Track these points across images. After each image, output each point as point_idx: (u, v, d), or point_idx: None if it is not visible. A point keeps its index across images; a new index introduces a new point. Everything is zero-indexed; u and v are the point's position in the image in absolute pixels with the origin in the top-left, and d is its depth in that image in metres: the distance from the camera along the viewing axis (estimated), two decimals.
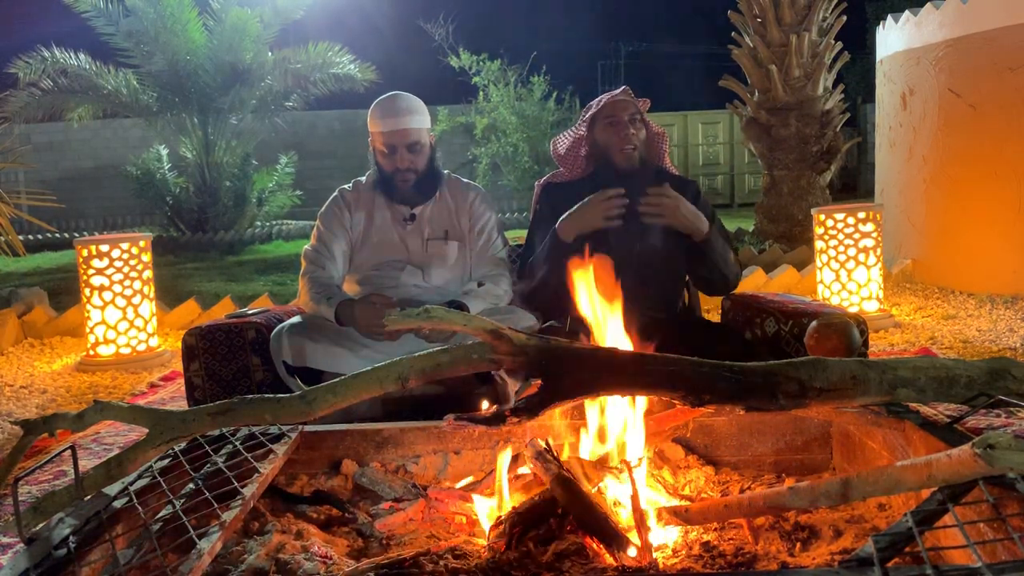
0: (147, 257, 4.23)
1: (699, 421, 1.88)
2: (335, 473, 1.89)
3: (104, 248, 4.09)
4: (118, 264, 4.11)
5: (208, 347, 2.49)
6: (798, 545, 1.50)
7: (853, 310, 4.06)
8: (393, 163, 2.61)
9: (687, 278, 2.73)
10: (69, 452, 1.40)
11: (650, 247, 2.47)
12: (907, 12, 5.59)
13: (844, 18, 6.74)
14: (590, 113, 2.57)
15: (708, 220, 2.46)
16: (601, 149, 2.56)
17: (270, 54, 10.54)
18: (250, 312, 2.69)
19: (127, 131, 13.77)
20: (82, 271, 4.13)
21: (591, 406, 1.66)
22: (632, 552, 1.35)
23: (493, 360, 1.44)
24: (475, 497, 1.64)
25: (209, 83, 9.92)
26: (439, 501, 1.64)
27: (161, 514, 1.40)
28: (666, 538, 1.55)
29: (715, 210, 2.66)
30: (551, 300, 2.46)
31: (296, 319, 2.51)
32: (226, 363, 2.50)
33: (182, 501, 1.41)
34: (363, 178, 2.76)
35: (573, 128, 2.67)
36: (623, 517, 1.51)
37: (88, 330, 4.16)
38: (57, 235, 10.38)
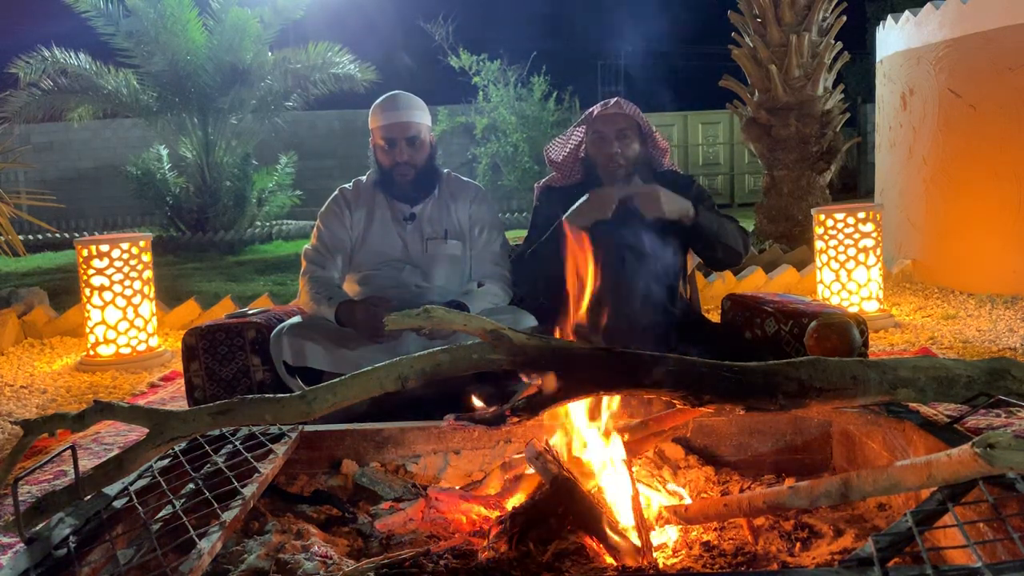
0: (147, 257, 4.23)
1: (699, 421, 1.88)
2: (335, 473, 1.89)
3: (104, 248, 4.09)
4: (118, 264, 4.10)
5: (208, 347, 2.49)
6: (798, 545, 1.50)
7: (853, 310, 4.06)
8: (392, 157, 2.61)
9: (687, 274, 2.76)
10: (69, 452, 1.40)
11: (642, 249, 2.49)
12: (907, 12, 5.59)
13: (844, 18, 6.74)
14: (584, 124, 2.60)
15: (696, 201, 2.50)
16: (591, 160, 2.60)
17: (270, 54, 10.53)
18: (250, 312, 2.69)
19: (127, 131, 13.75)
20: (82, 271, 4.13)
21: (589, 405, 1.66)
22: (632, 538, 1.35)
23: (493, 360, 1.44)
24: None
25: (209, 83, 9.91)
26: (439, 501, 1.64)
27: (161, 514, 1.40)
28: (666, 538, 1.55)
29: (710, 196, 2.68)
30: (542, 295, 2.51)
31: (296, 319, 2.51)
32: (226, 363, 2.49)
33: (182, 501, 1.41)
34: (363, 178, 2.76)
35: (564, 135, 2.69)
36: (622, 517, 1.51)
37: (88, 330, 4.16)
38: (57, 235, 10.37)
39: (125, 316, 4.14)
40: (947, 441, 1.41)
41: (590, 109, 2.58)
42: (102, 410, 1.36)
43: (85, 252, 4.10)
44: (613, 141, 2.52)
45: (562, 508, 1.48)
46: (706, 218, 2.47)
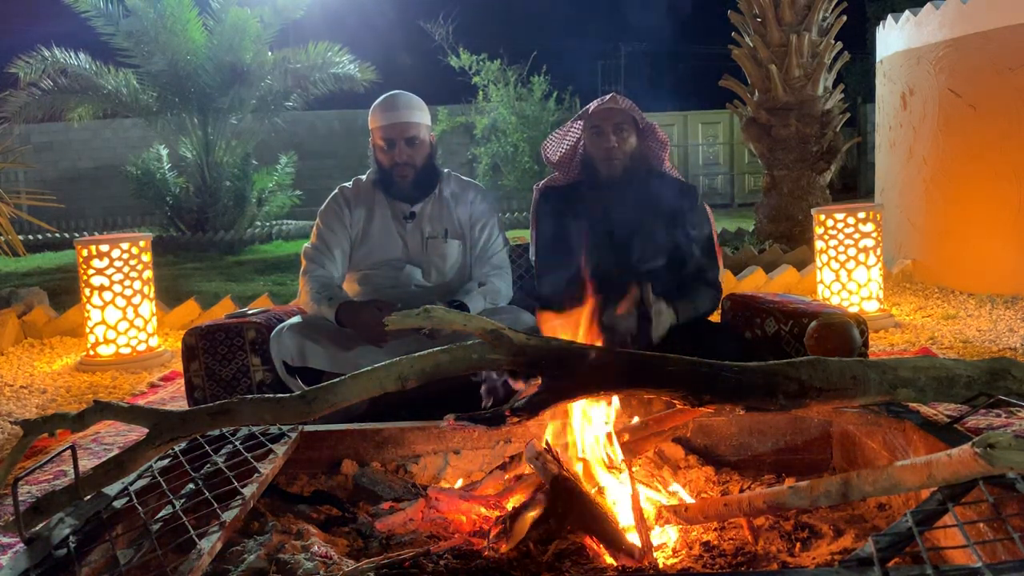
0: (147, 257, 4.23)
1: (699, 421, 1.88)
2: (335, 473, 1.89)
3: (104, 248, 4.09)
4: (118, 264, 4.10)
5: (208, 347, 2.49)
6: (798, 545, 1.50)
7: (853, 310, 4.06)
8: (392, 157, 2.61)
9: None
10: (69, 452, 1.40)
11: (646, 248, 2.49)
12: (907, 12, 5.59)
13: (844, 18, 6.74)
14: (580, 120, 2.60)
15: (693, 213, 2.55)
16: (589, 156, 2.60)
17: (270, 54, 10.53)
18: (250, 312, 2.69)
19: (127, 131, 13.76)
20: (82, 271, 4.12)
21: (589, 406, 1.65)
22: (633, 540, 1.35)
23: (493, 360, 1.44)
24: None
25: (209, 83, 9.91)
26: (439, 501, 1.64)
27: (161, 514, 1.40)
28: (666, 538, 1.55)
29: (710, 221, 2.66)
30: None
31: (296, 319, 2.51)
32: (226, 363, 2.49)
33: (182, 501, 1.41)
34: (364, 176, 2.76)
35: (560, 132, 2.68)
36: (622, 517, 1.51)
37: (88, 330, 4.16)
38: (57, 235, 10.37)
39: (125, 316, 4.14)
40: (947, 441, 1.41)
41: (587, 106, 2.59)
42: (102, 410, 1.36)
43: (85, 252, 4.10)
44: (610, 135, 2.52)
45: (562, 508, 1.48)
46: (683, 315, 2.47)
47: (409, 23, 14.25)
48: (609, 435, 1.65)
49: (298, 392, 1.41)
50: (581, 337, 1.66)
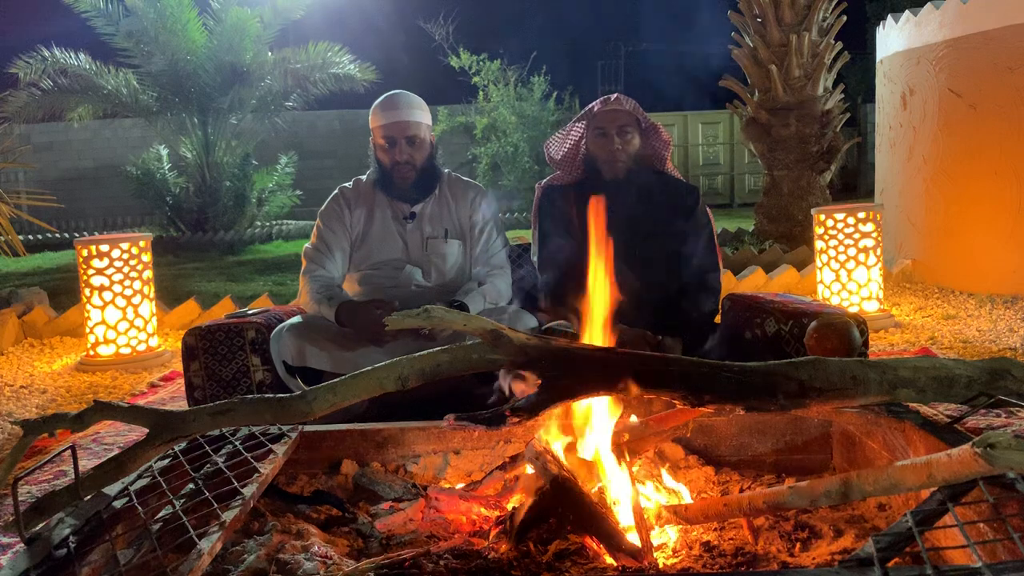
0: (147, 257, 4.23)
1: (699, 421, 1.88)
2: (335, 473, 1.89)
3: (104, 248, 4.09)
4: (118, 264, 4.10)
5: (208, 347, 2.49)
6: (798, 545, 1.50)
7: (853, 310, 4.05)
8: (392, 156, 2.61)
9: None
10: (69, 452, 1.40)
11: (648, 249, 2.49)
12: (907, 12, 5.59)
13: (844, 18, 6.74)
14: (584, 120, 2.60)
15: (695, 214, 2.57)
16: (592, 156, 2.60)
17: (270, 54, 10.53)
18: (250, 312, 2.69)
19: (127, 131, 13.76)
20: (82, 271, 4.13)
21: (589, 406, 1.65)
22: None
23: (493, 360, 1.44)
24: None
25: (209, 83, 9.91)
26: (439, 501, 1.64)
27: (161, 514, 1.40)
28: (666, 538, 1.55)
29: (710, 222, 2.67)
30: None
31: (296, 319, 2.51)
32: (226, 363, 2.49)
33: (182, 501, 1.41)
34: (364, 177, 2.76)
35: (563, 131, 2.68)
36: (622, 517, 1.51)
37: (88, 330, 4.16)
38: (57, 235, 10.37)
39: (125, 316, 4.14)
40: (947, 441, 1.41)
41: (590, 105, 2.58)
42: (102, 410, 1.36)
43: (85, 252, 4.10)
44: (614, 137, 2.52)
45: (562, 508, 1.48)
46: (691, 319, 2.50)
47: (409, 23, 14.26)
48: (609, 435, 1.65)
49: (298, 392, 1.41)
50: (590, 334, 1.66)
